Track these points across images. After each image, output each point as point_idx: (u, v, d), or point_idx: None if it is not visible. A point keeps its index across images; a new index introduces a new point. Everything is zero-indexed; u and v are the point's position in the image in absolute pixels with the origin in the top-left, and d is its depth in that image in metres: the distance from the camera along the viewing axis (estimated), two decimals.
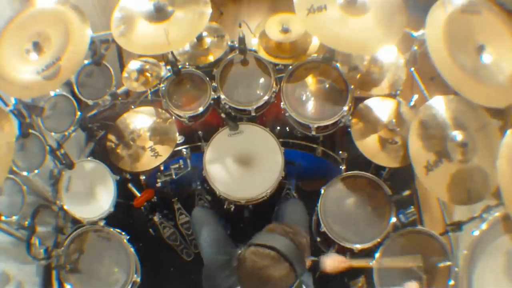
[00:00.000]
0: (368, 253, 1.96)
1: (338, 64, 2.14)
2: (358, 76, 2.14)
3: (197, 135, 2.22)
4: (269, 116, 2.35)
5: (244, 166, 2.12)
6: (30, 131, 1.95)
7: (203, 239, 2.01)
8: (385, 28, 1.79)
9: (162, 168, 2.20)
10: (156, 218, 2.49)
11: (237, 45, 2.11)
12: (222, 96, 2.14)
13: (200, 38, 2.27)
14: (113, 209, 2.07)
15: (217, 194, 2.09)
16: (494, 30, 1.71)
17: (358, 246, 1.91)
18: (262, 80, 2.19)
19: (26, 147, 1.96)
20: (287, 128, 2.29)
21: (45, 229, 2.13)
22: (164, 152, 2.15)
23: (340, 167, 2.18)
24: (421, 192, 2.59)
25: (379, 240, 1.91)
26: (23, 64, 1.77)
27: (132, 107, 2.29)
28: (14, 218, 1.86)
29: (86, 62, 2.17)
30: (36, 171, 1.94)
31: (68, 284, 1.93)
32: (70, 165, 2.03)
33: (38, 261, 1.94)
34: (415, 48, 1.94)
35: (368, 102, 2.11)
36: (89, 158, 2.21)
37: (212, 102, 2.15)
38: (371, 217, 1.98)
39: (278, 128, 2.26)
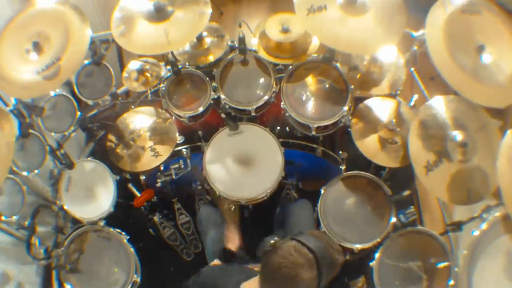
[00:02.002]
0: (368, 253, 1.96)
1: (338, 64, 2.14)
2: (358, 76, 2.14)
3: (197, 135, 2.22)
4: (269, 116, 2.35)
5: (244, 166, 2.12)
6: (30, 131, 1.95)
7: (209, 238, 2.02)
8: (385, 28, 1.79)
9: (162, 168, 2.20)
10: (156, 218, 2.49)
11: (237, 45, 2.11)
12: (222, 96, 2.14)
13: (200, 38, 2.27)
14: (113, 209, 2.07)
15: (217, 194, 2.09)
16: (494, 30, 1.71)
17: (358, 246, 1.91)
18: (262, 80, 2.19)
19: (26, 147, 1.96)
20: (287, 128, 2.29)
21: (45, 229, 2.14)
22: (164, 152, 2.15)
23: (340, 167, 2.18)
24: (421, 192, 2.59)
25: (379, 240, 1.91)
26: (23, 64, 1.77)
27: (132, 107, 2.29)
28: (14, 218, 1.86)
29: (86, 62, 2.17)
30: (36, 171, 1.95)
31: (68, 284, 1.93)
32: (70, 165, 2.03)
33: (38, 261, 1.94)
34: (415, 48, 1.94)
35: (368, 102, 2.11)
36: (89, 158, 2.21)
37: (212, 102, 2.15)
38: (371, 217, 1.98)
39: (278, 128, 2.26)
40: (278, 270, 1.24)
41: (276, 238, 1.31)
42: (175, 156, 2.20)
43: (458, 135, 1.74)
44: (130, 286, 1.93)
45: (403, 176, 2.21)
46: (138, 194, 2.33)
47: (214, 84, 2.15)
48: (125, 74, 2.20)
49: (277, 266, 1.24)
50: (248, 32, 2.23)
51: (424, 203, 2.63)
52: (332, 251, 1.30)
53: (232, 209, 2.11)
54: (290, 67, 2.15)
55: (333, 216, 2.00)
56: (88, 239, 2.02)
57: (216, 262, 1.79)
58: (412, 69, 2.12)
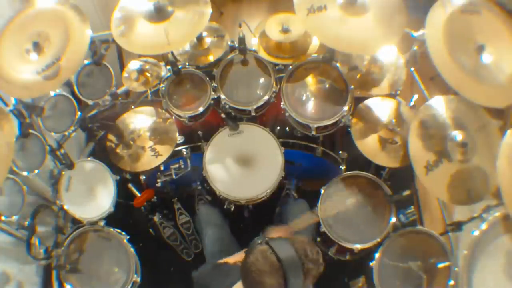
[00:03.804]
0: (368, 253, 1.96)
1: (338, 64, 2.14)
2: (358, 76, 2.14)
3: (197, 135, 2.22)
4: (269, 116, 2.35)
5: (244, 166, 2.12)
6: (30, 131, 1.95)
7: (207, 237, 2.02)
8: (385, 28, 1.79)
9: (162, 168, 2.20)
10: (156, 218, 2.49)
11: (237, 45, 2.11)
12: (222, 96, 2.14)
13: (200, 38, 2.27)
14: (113, 209, 2.07)
15: (217, 194, 2.09)
16: (494, 30, 1.71)
17: (358, 246, 1.91)
18: (262, 80, 2.19)
19: (26, 147, 1.96)
20: (287, 128, 2.29)
21: (45, 229, 2.13)
22: (164, 152, 2.15)
23: (340, 167, 2.18)
24: (421, 192, 2.59)
25: (379, 240, 1.91)
26: (23, 64, 1.77)
27: (132, 107, 2.29)
28: (14, 218, 1.86)
29: (86, 62, 2.17)
30: (36, 171, 1.94)
31: (68, 284, 1.93)
32: (70, 165, 2.03)
33: (38, 261, 1.94)
34: (415, 48, 1.94)
35: (368, 102, 2.11)
36: (89, 158, 2.21)
37: (212, 102, 2.15)
38: (371, 217, 1.98)
39: (278, 128, 2.26)
40: (248, 274, 1.28)
41: (263, 238, 1.32)
42: (175, 156, 2.20)
43: (458, 135, 1.74)
44: (130, 286, 1.93)
45: (403, 176, 2.21)
46: (138, 194, 2.33)
47: (214, 84, 2.15)
48: (125, 74, 2.20)
49: (247, 270, 1.28)
50: (248, 32, 2.23)
51: (424, 203, 2.63)
52: (305, 260, 1.28)
53: (232, 209, 2.11)
54: (290, 67, 2.15)
55: (333, 216, 2.00)
56: (88, 239, 2.02)
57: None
58: (412, 69, 2.12)
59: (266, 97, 2.12)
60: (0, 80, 1.75)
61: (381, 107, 2.09)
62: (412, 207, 2.00)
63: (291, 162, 2.18)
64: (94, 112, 2.27)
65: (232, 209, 2.11)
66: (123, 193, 2.22)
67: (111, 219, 2.10)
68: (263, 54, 2.20)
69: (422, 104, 1.87)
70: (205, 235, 2.08)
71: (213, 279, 1.58)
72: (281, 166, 2.08)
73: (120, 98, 2.23)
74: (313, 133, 2.09)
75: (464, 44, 1.68)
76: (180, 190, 2.54)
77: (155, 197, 2.42)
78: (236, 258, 1.72)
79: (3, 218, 1.83)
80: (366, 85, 2.12)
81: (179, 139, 2.18)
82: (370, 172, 2.07)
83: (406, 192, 1.92)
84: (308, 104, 2.11)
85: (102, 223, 2.05)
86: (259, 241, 1.32)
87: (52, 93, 2.13)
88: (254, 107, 2.11)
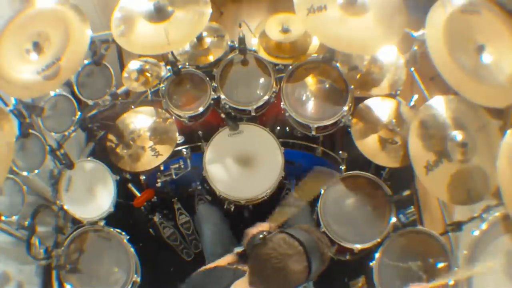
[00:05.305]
0: (368, 253, 1.96)
1: (338, 64, 2.14)
2: (358, 76, 2.14)
3: (197, 135, 2.22)
4: (269, 116, 2.35)
5: (244, 166, 2.12)
6: (30, 131, 1.95)
7: (205, 234, 2.02)
8: (385, 28, 1.79)
9: (162, 168, 2.20)
10: (156, 218, 2.49)
11: (237, 45, 2.11)
12: (222, 96, 2.14)
13: (200, 38, 2.27)
14: (113, 209, 2.07)
15: (217, 194, 2.09)
16: (494, 30, 1.71)
17: (358, 246, 1.91)
18: (262, 80, 2.19)
19: (26, 147, 1.96)
20: (287, 128, 2.29)
21: (45, 229, 2.13)
22: (164, 152, 2.15)
23: (340, 167, 2.18)
24: (421, 192, 2.59)
25: (379, 240, 1.91)
26: (23, 64, 1.77)
27: (132, 107, 2.29)
28: (14, 218, 1.86)
29: (86, 62, 2.17)
30: (36, 171, 1.95)
31: (68, 284, 1.93)
32: (70, 165, 2.03)
33: (38, 261, 1.95)
34: (415, 48, 1.94)
35: (368, 102, 2.11)
36: (89, 158, 2.21)
37: (212, 102, 2.15)
38: (371, 217, 1.98)
39: (278, 128, 2.26)
40: (267, 262, 1.24)
41: (265, 233, 1.31)
42: (175, 156, 2.20)
43: (458, 135, 1.74)
44: (130, 286, 1.93)
45: (403, 176, 2.20)
46: (138, 194, 2.33)
47: (214, 84, 2.15)
48: (125, 74, 2.20)
49: (266, 258, 1.25)
50: (248, 32, 2.23)
51: (424, 203, 2.63)
52: (321, 244, 1.30)
53: (232, 209, 2.11)
54: (290, 67, 2.15)
55: (333, 216, 2.00)
56: (88, 239, 2.02)
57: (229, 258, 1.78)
58: (412, 69, 2.12)
59: (266, 97, 2.12)
60: (0, 80, 1.75)
61: (381, 107, 2.09)
62: (412, 207, 2.00)
63: (291, 162, 2.18)
64: (94, 112, 2.27)
65: (232, 209, 2.11)
66: (123, 193, 2.22)
67: (111, 219, 2.10)
68: (263, 54, 2.20)
69: (422, 104, 1.87)
70: (204, 235, 2.07)
71: (205, 285, 1.56)
72: (281, 166, 2.08)
73: (120, 98, 2.23)
74: (313, 133, 2.09)
75: (464, 44, 1.68)
76: (180, 190, 2.54)
77: (155, 197, 2.42)
78: (227, 259, 1.72)
79: (3, 218, 1.83)
80: (366, 85, 2.12)
81: (179, 139, 2.18)
82: (370, 172, 2.07)
83: (406, 192, 1.92)
84: (308, 104, 2.11)
85: (102, 223, 2.05)
86: (261, 235, 1.30)
87: (52, 93, 2.13)
88: (254, 107, 2.11)
